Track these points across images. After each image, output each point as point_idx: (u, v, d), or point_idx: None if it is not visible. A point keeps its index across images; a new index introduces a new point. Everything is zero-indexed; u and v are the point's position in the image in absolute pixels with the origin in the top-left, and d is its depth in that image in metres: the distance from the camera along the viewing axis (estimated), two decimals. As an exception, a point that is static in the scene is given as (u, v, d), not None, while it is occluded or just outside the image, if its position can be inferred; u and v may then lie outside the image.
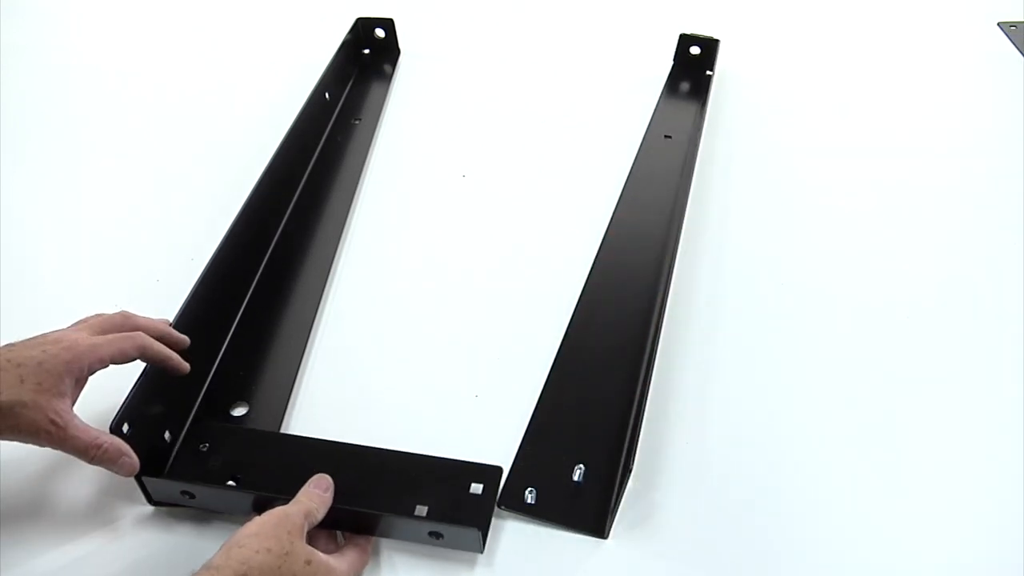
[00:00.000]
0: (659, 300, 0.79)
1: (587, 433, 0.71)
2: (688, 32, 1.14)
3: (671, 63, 1.15)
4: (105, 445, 0.60)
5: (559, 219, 0.93)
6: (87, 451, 0.60)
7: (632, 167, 0.99)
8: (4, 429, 0.58)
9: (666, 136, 1.02)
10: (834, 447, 0.72)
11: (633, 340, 0.77)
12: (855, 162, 1.03)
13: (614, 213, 0.92)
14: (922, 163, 1.03)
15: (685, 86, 1.11)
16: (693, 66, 1.13)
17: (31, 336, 0.62)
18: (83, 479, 0.66)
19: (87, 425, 0.60)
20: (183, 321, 0.71)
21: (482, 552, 0.63)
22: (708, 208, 0.95)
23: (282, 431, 0.72)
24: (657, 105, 1.09)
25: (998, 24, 1.27)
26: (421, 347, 0.80)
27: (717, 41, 1.12)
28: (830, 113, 1.11)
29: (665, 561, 0.64)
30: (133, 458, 0.61)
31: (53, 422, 0.58)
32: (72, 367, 0.60)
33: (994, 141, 1.06)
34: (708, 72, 1.12)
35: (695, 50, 1.13)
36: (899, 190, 0.98)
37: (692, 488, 0.68)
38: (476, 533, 0.61)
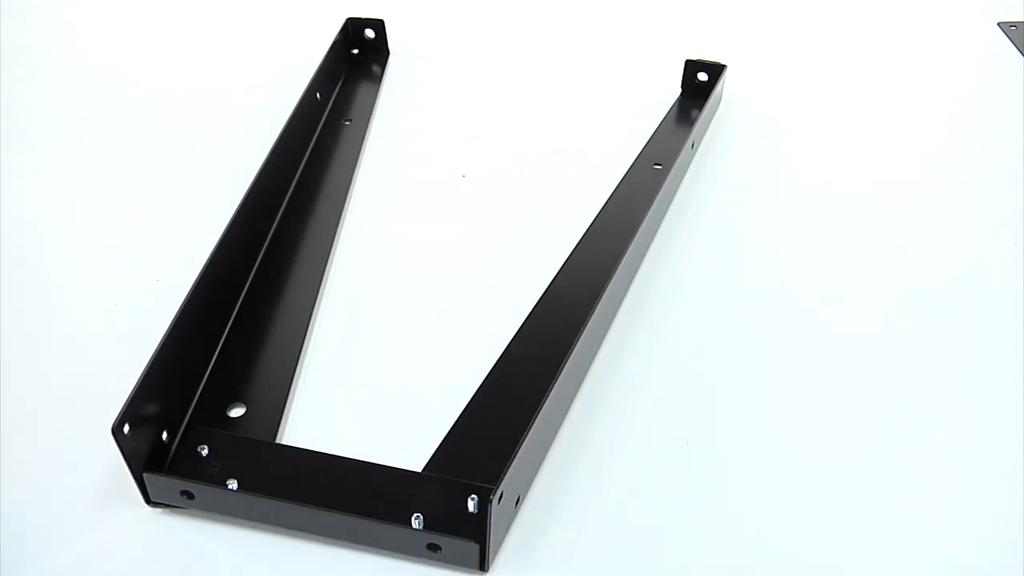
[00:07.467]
0: (585, 328, 0.73)
1: (489, 457, 0.67)
2: (694, 58, 1.08)
3: (670, 78, 1.10)
4: None
5: (558, 226, 0.92)
6: None
7: (622, 179, 0.96)
8: None
9: (656, 165, 0.97)
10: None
11: (547, 368, 0.71)
12: (852, 165, 1.02)
13: (579, 242, 0.88)
14: (922, 164, 1.03)
15: (695, 113, 1.05)
16: (700, 93, 1.08)
17: None
18: (79, 478, 0.66)
19: None
20: (179, 322, 0.71)
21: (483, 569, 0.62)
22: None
23: (281, 432, 0.72)
24: (658, 127, 1.05)
25: (998, 24, 1.27)
26: (417, 345, 0.80)
27: (723, 66, 1.08)
28: (827, 116, 1.11)
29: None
30: None
31: None
32: None
33: (994, 141, 1.06)
34: (704, 99, 1.05)
35: (702, 76, 1.09)
36: (898, 191, 0.98)
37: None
38: (473, 547, 0.61)
